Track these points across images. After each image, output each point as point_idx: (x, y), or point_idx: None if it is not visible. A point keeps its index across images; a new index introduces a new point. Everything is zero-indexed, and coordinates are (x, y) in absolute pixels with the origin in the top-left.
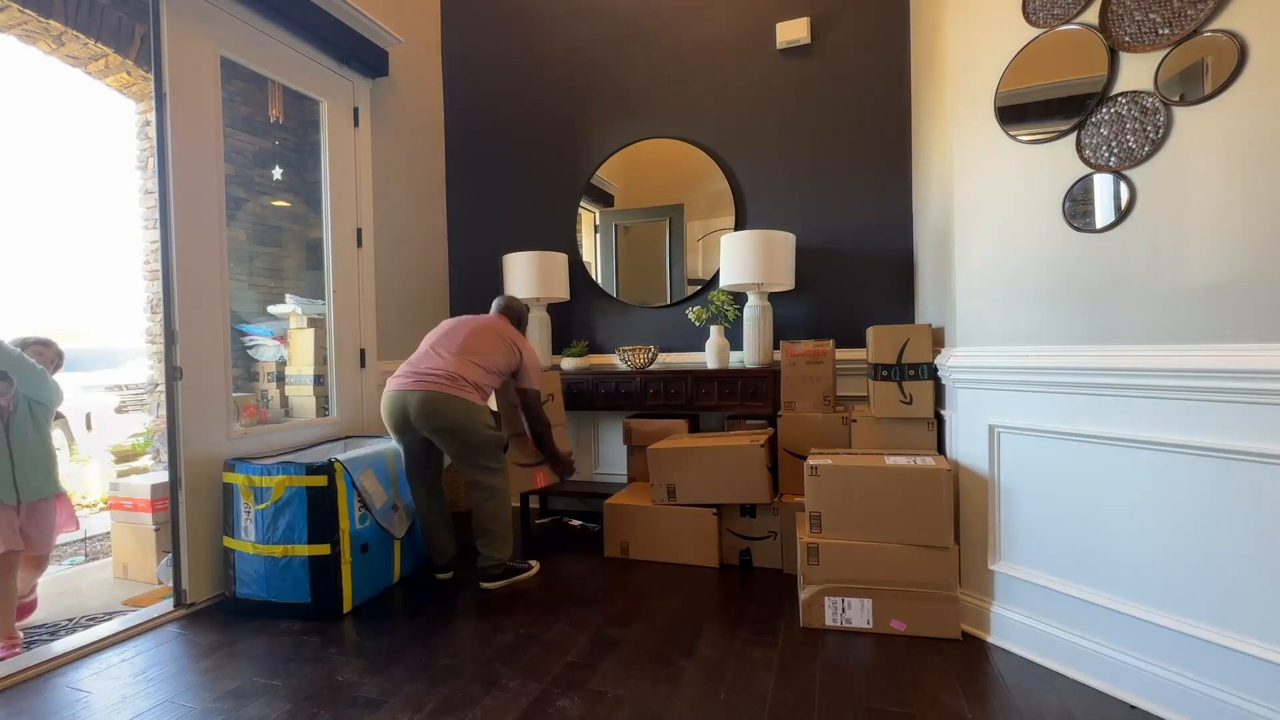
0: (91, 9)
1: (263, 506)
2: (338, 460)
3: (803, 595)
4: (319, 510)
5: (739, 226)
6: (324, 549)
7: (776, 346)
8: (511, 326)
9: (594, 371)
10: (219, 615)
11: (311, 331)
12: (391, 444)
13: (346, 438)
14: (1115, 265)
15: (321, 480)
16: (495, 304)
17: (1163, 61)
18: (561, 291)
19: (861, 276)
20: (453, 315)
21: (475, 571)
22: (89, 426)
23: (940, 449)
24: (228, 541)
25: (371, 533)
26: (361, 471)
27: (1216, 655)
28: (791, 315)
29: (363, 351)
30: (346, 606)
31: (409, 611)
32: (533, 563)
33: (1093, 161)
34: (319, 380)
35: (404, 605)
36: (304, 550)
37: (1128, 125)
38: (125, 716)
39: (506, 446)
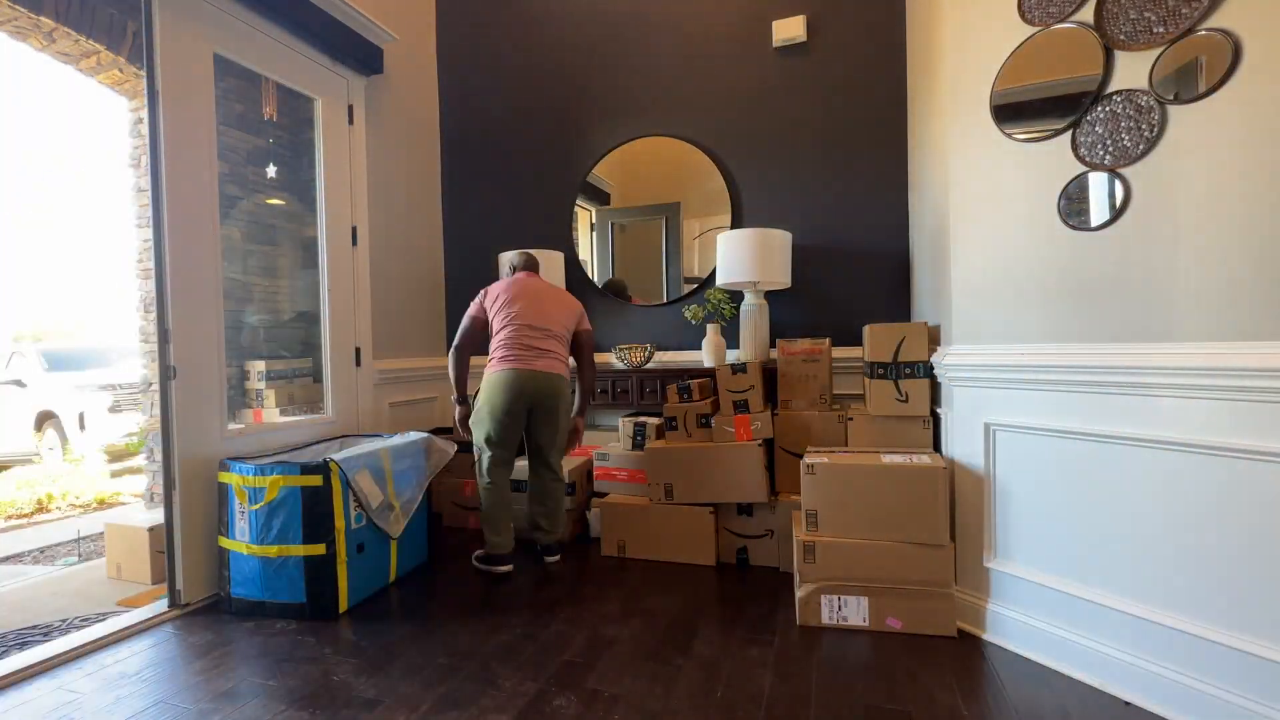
0: (83, 6)
1: (257, 507)
2: (333, 460)
3: (799, 593)
4: (314, 510)
5: (735, 225)
6: (319, 549)
7: (773, 345)
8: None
9: None
10: (214, 616)
11: None
12: (387, 443)
13: (342, 437)
14: (1110, 263)
15: (316, 480)
16: (525, 263)
17: (1157, 60)
18: None
19: (858, 275)
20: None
21: (546, 549)
22: (82, 426)
23: (936, 447)
24: (222, 542)
25: (367, 532)
26: (357, 471)
27: (1212, 652)
28: (788, 314)
29: (358, 350)
30: (342, 606)
31: (405, 611)
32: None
33: (1088, 160)
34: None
35: (400, 605)
36: (299, 550)
37: (1123, 123)
38: (119, 717)
39: None
